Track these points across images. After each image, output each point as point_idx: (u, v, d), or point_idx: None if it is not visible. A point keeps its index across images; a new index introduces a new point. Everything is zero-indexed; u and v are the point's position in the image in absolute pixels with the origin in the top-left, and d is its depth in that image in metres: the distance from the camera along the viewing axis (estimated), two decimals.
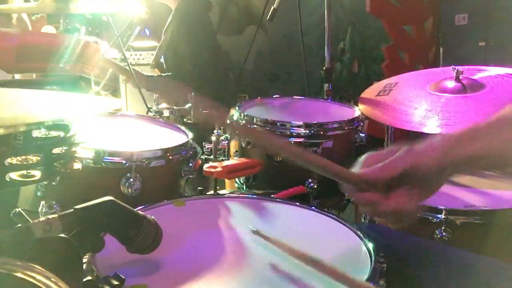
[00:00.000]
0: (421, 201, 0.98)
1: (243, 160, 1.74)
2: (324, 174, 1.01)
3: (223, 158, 1.84)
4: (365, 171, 0.97)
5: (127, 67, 2.63)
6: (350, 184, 0.99)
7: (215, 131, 1.88)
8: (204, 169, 1.59)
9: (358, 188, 0.98)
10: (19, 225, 0.80)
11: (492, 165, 0.99)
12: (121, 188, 1.43)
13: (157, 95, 2.00)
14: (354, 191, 0.99)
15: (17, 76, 2.73)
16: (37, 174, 0.91)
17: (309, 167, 1.06)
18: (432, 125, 1.63)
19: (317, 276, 0.98)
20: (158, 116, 1.89)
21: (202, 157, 1.68)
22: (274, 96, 2.17)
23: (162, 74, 3.06)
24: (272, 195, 1.45)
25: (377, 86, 1.96)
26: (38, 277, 0.64)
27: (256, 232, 1.12)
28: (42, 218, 0.81)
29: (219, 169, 1.57)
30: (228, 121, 0.96)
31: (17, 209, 1.50)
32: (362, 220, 1.52)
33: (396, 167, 0.95)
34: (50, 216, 0.81)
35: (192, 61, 2.92)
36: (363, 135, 1.83)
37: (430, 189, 0.98)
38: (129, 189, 1.42)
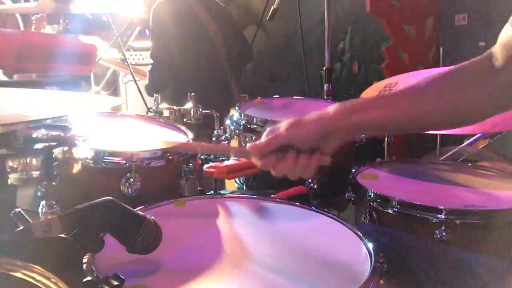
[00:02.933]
0: (315, 162, 1.11)
1: (243, 160, 1.74)
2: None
3: (223, 158, 1.83)
4: (254, 144, 1.13)
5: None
6: (251, 156, 1.14)
7: (215, 131, 1.88)
8: (204, 169, 1.59)
9: (257, 157, 1.13)
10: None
11: (376, 133, 1.17)
12: (121, 188, 1.43)
13: (156, 95, 2.00)
14: (255, 159, 1.14)
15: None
16: (37, 174, 0.91)
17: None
18: None
19: (317, 276, 0.98)
20: (158, 116, 1.89)
21: (202, 157, 1.68)
22: (274, 96, 2.17)
23: None
24: (272, 195, 1.45)
25: (377, 86, 1.96)
26: (38, 277, 0.64)
27: None
28: (42, 219, 0.81)
29: (219, 169, 1.56)
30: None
31: (17, 209, 1.50)
32: (362, 220, 1.52)
33: (276, 142, 1.10)
34: (50, 217, 0.81)
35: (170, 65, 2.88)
36: (363, 135, 1.83)
37: (322, 151, 1.12)
38: (129, 189, 1.42)
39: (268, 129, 1.16)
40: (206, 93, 2.15)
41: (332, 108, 1.14)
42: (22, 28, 3.00)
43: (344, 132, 1.12)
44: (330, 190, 1.77)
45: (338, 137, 1.12)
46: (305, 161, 1.10)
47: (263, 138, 1.13)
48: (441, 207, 1.36)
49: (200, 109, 1.93)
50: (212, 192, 1.66)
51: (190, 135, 1.66)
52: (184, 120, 1.92)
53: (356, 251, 1.09)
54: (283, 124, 1.12)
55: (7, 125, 0.82)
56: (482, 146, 2.46)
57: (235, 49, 3.05)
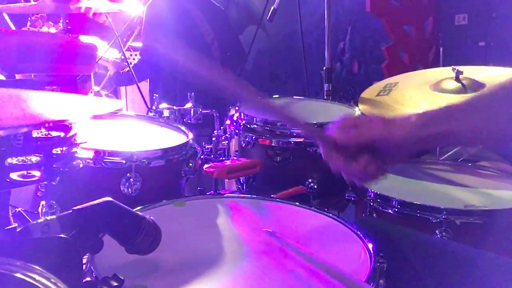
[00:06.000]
0: (384, 169, 1.01)
1: (243, 160, 1.74)
2: (299, 129, 1.13)
3: (223, 158, 1.84)
4: (338, 133, 1.01)
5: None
6: (322, 142, 1.04)
7: (215, 131, 1.88)
8: (204, 169, 1.59)
9: (328, 147, 1.02)
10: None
11: (466, 143, 1.03)
12: (121, 188, 1.43)
13: (156, 95, 2.00)
14: (326, 148, 1.03)
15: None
16: (37, 174, 0.91)
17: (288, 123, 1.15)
18: None
19: (316, 275, 0.98)
20: (158, 116, 1.89)
21: (202, 157, 1.68)
22: (274, 96, 2.17)
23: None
24: (272, 195, 1.45)
25: (377, 86, 1.96)
26: (38, 277, 0.64)
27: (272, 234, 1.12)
28: (40, 220, 0.80)
29: (219, 169, 1.57)
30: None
31: (17, 209, 1.51)
32: (362, 216, 1.52)
33: (367, 135, 0.98)
34: (49, 218, 0.81)
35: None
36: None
37: (395, 159, 1.02)
38: (129, 189, 1.42)
39: (342, 117, 1.04)
40: (201, 91, 2.15)
41: (421, 113, 1.02)
42: None
43: (435, 139, 1.00)
44: (330, 190, 1.77)
45: (424, 144, 1.02)
46: (375, 166, 0.99)
47: (344, 128, 1.00)
48: (441, 207, 1.36)
49: (200, 109, 1.93)
50: (212, 192, 1.67)
51: (190, 135, 1.66)
52: (184, 120, 1.92)
53: (356, 251, 1.09)
54: (371, 119, 1.01)
55: (8, 127, 0.82)
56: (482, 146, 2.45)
57: (229, 50, 3.05)
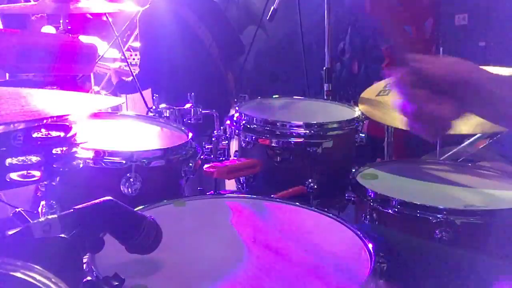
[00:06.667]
0: (457, 115, 0.94)
1: (243, 160, 1.74)
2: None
3: (223, 158, 1.84)
4: (425, 64, 0.95)
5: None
6: (406, 68, 0.97)
7: (215, 131, 1.88)
8: (204, 169, 1.59)
9: (409, 79, 0.96)
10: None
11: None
12: (121, 188, 1.43)
13: (156, 95, 2.00)
14: (404, 81, 0.96)
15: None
16: (37, 174, 0.91)
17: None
18: None
19: (317, 276, 0.99)
20: (158, 116, 1.89)
21: (202, 157, 1.68)
22: (274, 96, 2.17)
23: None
24: (272, 195, 1.45)
25: (377, 86, 1.96)
26: (38, 277, 0.64)
27: None
28: (41, 219, 0.81)
29: (219, 169, 1.57)
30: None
31: (17, 209, 1.50)
32: (362, 220, 1.52)
33: (457, 71, 0.93)
34: (50, 217, 0.81)
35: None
36: (363, 135, 1.83)
37: (467, 106, 0.95)
38: (129, 189, 1.42)
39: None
40: (203, 92, 2.15)
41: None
42: None
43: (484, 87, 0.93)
44: (330, 190, 1.77)
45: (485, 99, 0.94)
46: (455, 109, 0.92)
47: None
48: (441, 207, 1.36)
49: (200, 109, 1.93)
50: (212, 192, 1.67)
51: (190, 135, 1.66)
52: (184, 120, 1.92)
53: (356, 251, 1.09)
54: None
55: (7, 124, 0.82)
56: (482, 146, 2.46)
57: (225, 42, 3.05)
